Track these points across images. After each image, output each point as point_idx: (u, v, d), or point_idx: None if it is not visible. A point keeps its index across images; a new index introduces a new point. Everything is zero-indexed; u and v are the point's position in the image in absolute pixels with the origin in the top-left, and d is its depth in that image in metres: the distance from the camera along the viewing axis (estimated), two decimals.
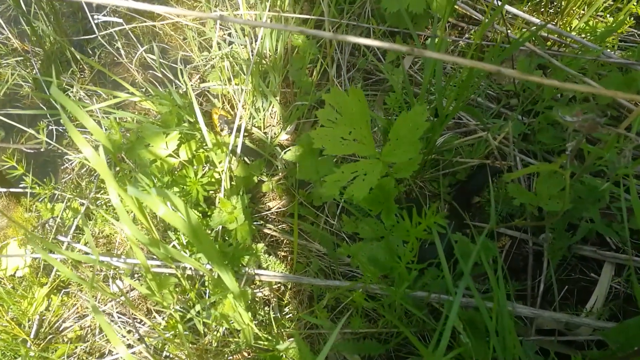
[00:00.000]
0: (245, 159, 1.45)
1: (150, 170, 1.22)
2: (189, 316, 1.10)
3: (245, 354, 1.21)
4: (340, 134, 1.02)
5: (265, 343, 1.08)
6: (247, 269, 1.13)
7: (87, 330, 1.44)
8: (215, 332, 1.15)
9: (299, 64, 1.50)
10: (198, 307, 1.03)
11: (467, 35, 1.66)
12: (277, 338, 1.07)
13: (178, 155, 1.26)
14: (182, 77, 1.28)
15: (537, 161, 1.25)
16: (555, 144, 1.23)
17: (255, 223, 1.40)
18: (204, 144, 1.31)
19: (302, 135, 1.34)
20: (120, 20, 1.45)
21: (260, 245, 1.20)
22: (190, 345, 1.21)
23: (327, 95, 1.01)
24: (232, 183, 1.34)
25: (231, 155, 1.23)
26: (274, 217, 1.46)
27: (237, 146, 1.21)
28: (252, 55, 1.20)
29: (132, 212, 0.87)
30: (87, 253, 1.43)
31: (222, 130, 1.45)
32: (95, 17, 1.49)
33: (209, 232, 1.25)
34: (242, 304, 0.90)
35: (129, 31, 1.82)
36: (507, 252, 1.20)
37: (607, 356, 0.85)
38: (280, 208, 1.46)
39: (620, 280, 1.11)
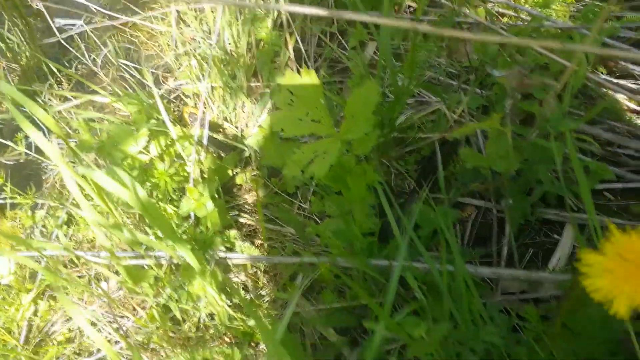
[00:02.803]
0: (221, 153, 1.49)
1: (122, 168, 1.25)
2: (163, 301, 1.13)
3: (227, 339, 1.24)
4: (298, 116, 1.05)
5: (241, 324, 1.10)
6: (216, 251, 1.16)
7: (76, 332, 1.47)
8: (193, 318, 1.18)
9: (265, 57, 1.54)
10: (169, 290, 1.06)
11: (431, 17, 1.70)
12: (252, 317, 1.09)
13: (148, 152, 1.30)
14: (147, 77, 1.31)
15: None
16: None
17: (231, 214, 1.43)
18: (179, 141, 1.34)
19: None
20: (81, 22, 1.48)
21: (233, 232, 1.23)
22: (172, 334, 1.23)
23: (282, 79, 1.05)
24: (205, 176, 1.37)
25: (198, 147, 1.26)
26: (250, 208, 1.49)
27: (203, 137, 1.24)
28: (211, 46, 1.24)
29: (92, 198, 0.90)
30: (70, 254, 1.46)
31: (193, 126, 1.48)
32: (57, 21, 1.53)
33: (184, 224, 1.28)
34: (209, 283, 0.93)
35: (105, 39, 1.86)
36: (474, 222, 1.24)
37: (567, 307, 0.88)
38: (257, 199, 1.50)
39: (582, 239, 1.14)
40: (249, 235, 1.42)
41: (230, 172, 1.47)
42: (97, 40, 1.71)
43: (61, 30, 1.93)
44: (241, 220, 1.43)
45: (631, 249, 0.47)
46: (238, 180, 1.47)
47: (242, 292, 1.23)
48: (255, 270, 1.29)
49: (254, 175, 1.48)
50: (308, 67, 1.61)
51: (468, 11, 1.30)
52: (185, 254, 0.75)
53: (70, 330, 1.47)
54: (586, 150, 1.23)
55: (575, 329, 0.80)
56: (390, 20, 0.49)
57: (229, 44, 1.39)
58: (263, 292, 1.26)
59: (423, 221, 1.03)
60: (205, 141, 1.26)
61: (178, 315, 1.14)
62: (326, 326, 1.11)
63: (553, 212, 1.18)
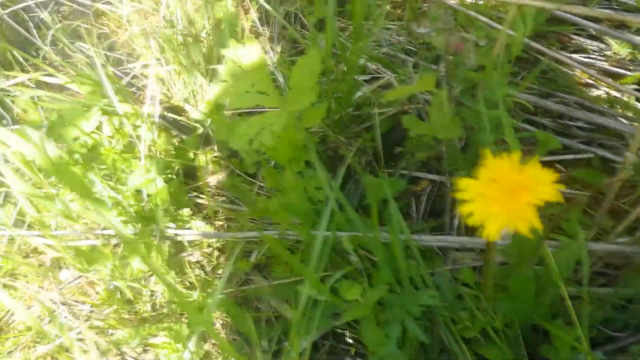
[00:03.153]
0: (183, 136, 1.48)
1: (73, 148, 1.23)
2: (108, 277, 1.12)
3: (184, 320, 1.23)
4: (244, 87, 1.04)
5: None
6: (161, 226, 1.14)
7: (37, 320, 1.44)
8: (145, 297, 1.17)
9: (223, 38, 1.53)
10: (110, 265, 1.05)
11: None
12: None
13: (101, 132, 1.28)
14: (96, 55, 1.29)
15: None
16: (468, 85, 1.26)
17: (191, 196, 1.42)
18: (129, 119, 1.32)
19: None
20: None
21: (186, 211, 1.22)
22: (126, 315, 1.22)
23: (226, 51, 1.04)
24: (162, 156, 1.36)
25: (151, 125, 1.25)
26: (212, 190, 1.48)
27: (154, 115, 1.23)
28: (161, 24, 1.23)
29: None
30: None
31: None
32: None
33: (137, 203, 1.27)
34: (154, 258, 0.92)
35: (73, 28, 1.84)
36: (429, 196, 1.23)
37: (504, 271, 0.88)
38: (219, 182, 1.49)
39: None
40: (210, 216, 1.41)
41: (191, 155, 1.46)
42: (49, 24, 1.69)
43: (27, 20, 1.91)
44: (200, 201, 1.42)
45: (502, 172, 0.46)
46: (198, 162, 1.45)
47: (198, 271, 1.23)
48: (211, 249, 1.28)
49: (215, 156, 1.47)
50: (270, 48, 1.60)
51: None
52: (109, 218, 0.74)
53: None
54: (538, 123, 1.23)
55: (512, 290, 0.80)
56: None
57: (182, 23, 1.38)
58: (219, 271, 1.25)
59: (370, 192, 1.03)
60: (156, 118, 1.25)
61: (128, 294, 1.13)
62: (279, 300, 1.10)
63: None
